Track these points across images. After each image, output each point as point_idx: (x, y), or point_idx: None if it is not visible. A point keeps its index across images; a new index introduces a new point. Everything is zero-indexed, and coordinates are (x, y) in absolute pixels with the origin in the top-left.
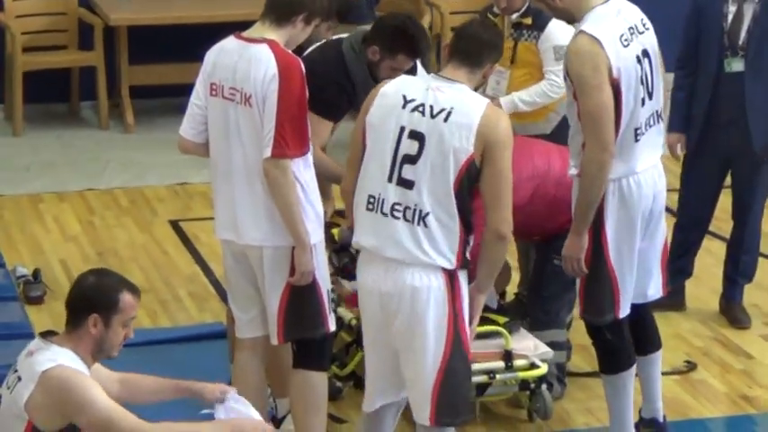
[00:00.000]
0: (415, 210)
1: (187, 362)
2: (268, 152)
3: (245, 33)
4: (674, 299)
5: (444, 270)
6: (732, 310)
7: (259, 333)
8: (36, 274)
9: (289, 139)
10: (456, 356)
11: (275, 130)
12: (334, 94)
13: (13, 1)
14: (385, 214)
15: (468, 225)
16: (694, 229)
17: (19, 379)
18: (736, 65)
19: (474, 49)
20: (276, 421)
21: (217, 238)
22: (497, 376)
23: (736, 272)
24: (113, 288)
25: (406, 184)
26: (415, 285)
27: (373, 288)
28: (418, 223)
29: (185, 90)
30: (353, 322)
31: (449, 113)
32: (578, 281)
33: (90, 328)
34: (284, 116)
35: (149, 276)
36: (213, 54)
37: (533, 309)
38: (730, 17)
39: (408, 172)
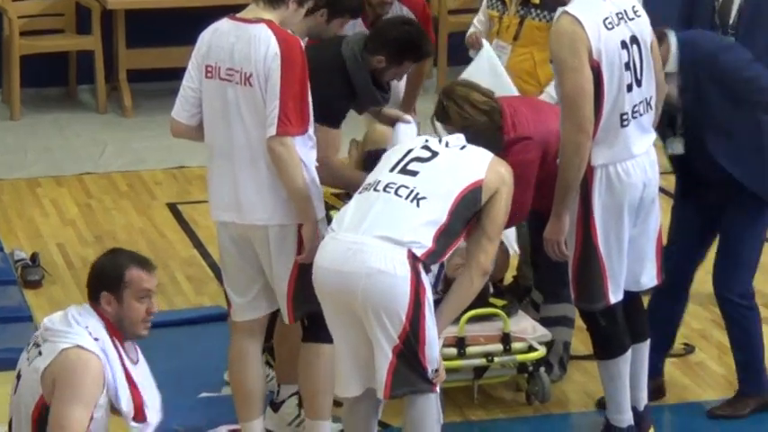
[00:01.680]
0: (412, 190)
1: (185, 345)
2: (273, 130)
3: (239, 15)
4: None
5: (410, 255)
6: None
7: (257, 315)
8: (34, 257)
9: (292, 117)
10: (411, 343)
11: (279, 108)
12: (339, 105)
13: None
14: (376, 191)
15: (443, 241)
16: None
17: (40, 353)
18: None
19: None
20: (275, 405)
21: (213, 220)
22: (495, 359)
23: None
24: (119, 264)
25: (410, 173)
26: (380, 267)
27: (330, 267)
28: (410, 200)
29: (182, 73)
30: None
31: (464, 147)
32: (570, 268)
33: (105, 307)
34: (287, 94)
35: None
36: (207, 36)
37: (545, 282)
38: None
39: (414, 166)
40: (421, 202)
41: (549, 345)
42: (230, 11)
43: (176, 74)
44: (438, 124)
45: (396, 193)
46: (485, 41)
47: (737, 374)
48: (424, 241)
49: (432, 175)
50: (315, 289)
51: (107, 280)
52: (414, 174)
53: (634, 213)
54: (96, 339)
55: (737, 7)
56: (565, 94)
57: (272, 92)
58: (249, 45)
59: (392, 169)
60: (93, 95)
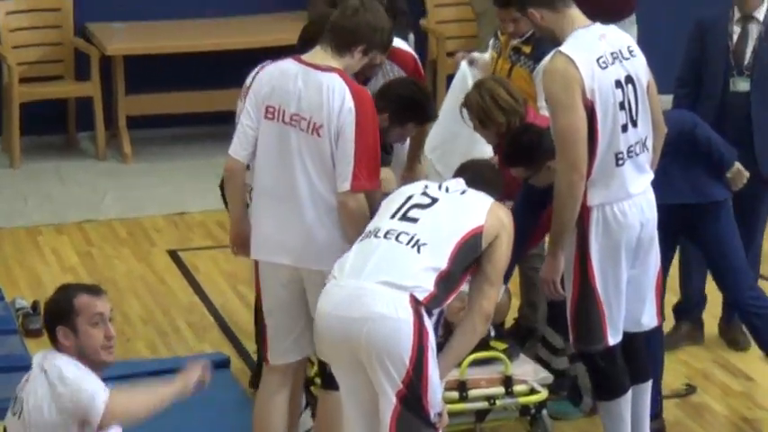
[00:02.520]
0: (412, 237)
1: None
2: (347, 186)
3: (306, 58)
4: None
5: (413, 300)
6: (731, 332)
7: (294, 358)
8: (35, 306)
9: (365, 172)
10: (415, 388)
11: (354, 163)
12: None
13: (10, 32)
14: (377, 238)
15: (445, 286)
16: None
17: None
18: (742, 85)
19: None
20: None
21: (259, 259)
22: (497, 402)
23: None
24: (66, 296)
25: (410, 219)
26: (383, 312)
27: (333, 313)
28: (411, 246)
29: (182, 120)
30: None
31: (464, 192)
32: (568, 310)
33: (64, 342)
34: (361, 149)
35: (148, 307)
36: (268, 76)
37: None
38: (735, 37)
39: (414, 213)
40: (422, 248)
41: (574, 378)
42: (227, 55)
43: (176, 120)
44: (465, 112)
45: (396, 239)
46: (463, 62)
47: None
48: (426, 285)
49: (432, 221)
50: (316, 337)
51: (59, 313)
52: (414, 220)
53: (632, 254)
54: None
55: (752, 49)
56: (558, 132)
57: (346, 146)
58: (321, 95)
59: (393, 216)
60: (93, 142)
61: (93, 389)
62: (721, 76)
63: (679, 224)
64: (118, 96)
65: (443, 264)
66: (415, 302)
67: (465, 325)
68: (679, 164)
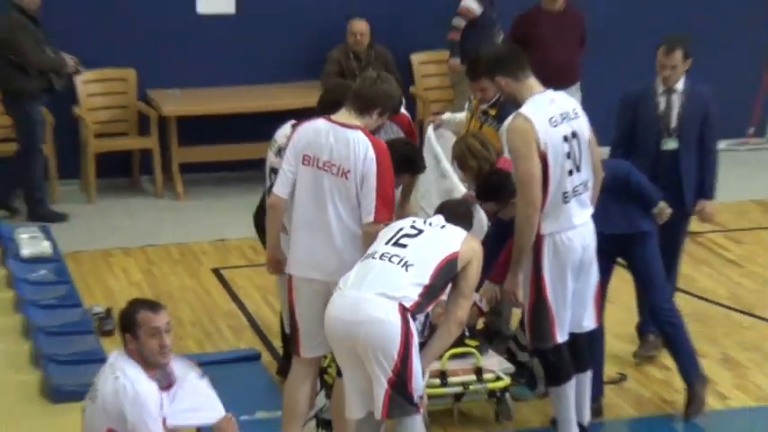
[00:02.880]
0: (402, 258)
1: (227, 379)
2: (371, 218)
3: (335, 118)
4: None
5: (401, 308)
6: (644, 346)
7: (320, 353)
8: (108, 311)
9: (383, 207)
10: (402, 376)
11: (376, 200)
12: None
13: (87, 97)
14: (374, 259)
15: (427, 297)
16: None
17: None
18: (671, 144)
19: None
20: None
21: (295, 275)
22: (470, 387)
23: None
24: (131, 310)
25: (401, 245)
26: (377, 316)
27: (338, 317)
28: (401, 266)
29: (222, 166)
30: None
31: (443, 227)
32: (525, 315)
33: (130, 346)
34: (381, 190)
35: (196, 313)
36: (305, 132)
37: None
38: (662, 106)
39: (405, 240)
40: (409, 267)
41: (531, 368)
42: (259, 115)
43: (217, 166)
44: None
45: (389, 260)
46: (429, 128)
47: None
48: (412, 296)
49: (418, 247)
50: (326, 336)
51: (126, 324)
52: (404, 246)
53: (576, 271)
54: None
55: (677, 114)
56: (518, 177)
57: (369, 187)
58: (348, 147)
59: (387, 243)
60: (153, 184)
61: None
62: (654, 137)
63: (615, 249)
64: (172, 148)
65: (426, 280)
66: (403, 309)
67: (443, 329)
68: (615, 201)
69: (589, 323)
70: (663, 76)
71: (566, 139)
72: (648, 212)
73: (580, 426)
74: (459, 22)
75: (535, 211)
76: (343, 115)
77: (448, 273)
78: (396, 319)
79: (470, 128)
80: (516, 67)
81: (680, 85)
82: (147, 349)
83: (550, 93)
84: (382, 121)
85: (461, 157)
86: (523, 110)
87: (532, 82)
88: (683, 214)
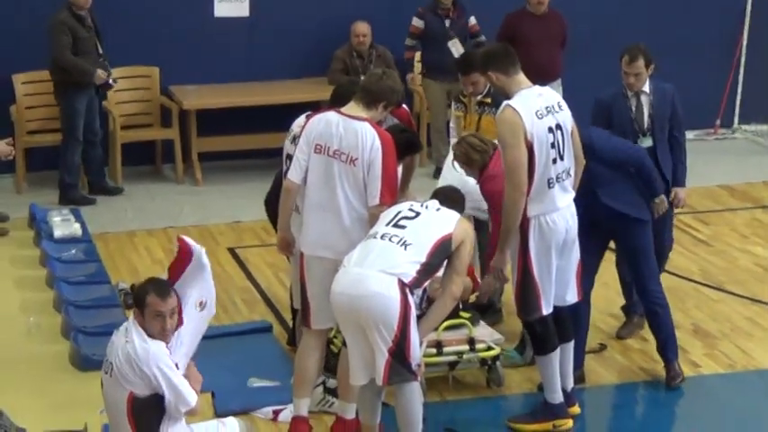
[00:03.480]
0: (401, 238)
1: (242, 348)
2: (376, 200)
3: (344, 110)
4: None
5: (400, 283)
6: (628, 327)
7: (329, 324)
8: (133, 287)
9: (387, 192)
10: (401, 346)
11: (381, 185)
12: None
13: (114, 92)
14: (375, 239)
15: (424, 273)
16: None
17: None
18: (647, 141)
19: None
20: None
21: (307, 253)
22: (464, 356)
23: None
24: (143, 290)
25: (400, 226)
26: (378, 290)
27: (343, 292)
28: (400, 245)
29: (237, 155)
30: None
31: (438, 209)
32: (513, 290)
33: (137, 318)
34: (386, 176)
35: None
36: (316, 123)
37: None
38: (634, 108)
39: (403, 222)
40: (408, 247)
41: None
42: (269, 109)
43: (233, 155)
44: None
45: (389, 240)
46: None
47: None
48: (410, 273)
49: (416, 228)
50: (333, 310)
51: (136, 301)
52: (403, 227)
53: (559, 250)
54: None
55: (648, 115)
56: (506, 164)
57: (374, 174)
58: (356, 137)
59: (387, 224)
60: (174, 171)
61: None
62: (630, 137)
63: (613, 228)
64: (191, 138)
65: (423, 258)
66: (402, 284)
67: (439, 302)
68: (627, 182)
69: (572, 297)
70: (628, 83)
71: (550, 130)
72: (649, 202)
73: (564, 391)
74: (410, 41)
75: (521, 196)
76: (351, 108)
77: (443, 252)
78: (395, 294)
79: (467, 122)
80: (507, 64)
81: (647, 87)
82: (150, 327)
83: (538, 88)
84: (387, 113)
85: (466, 154)
86: (512, 103)
87: (521, 78)
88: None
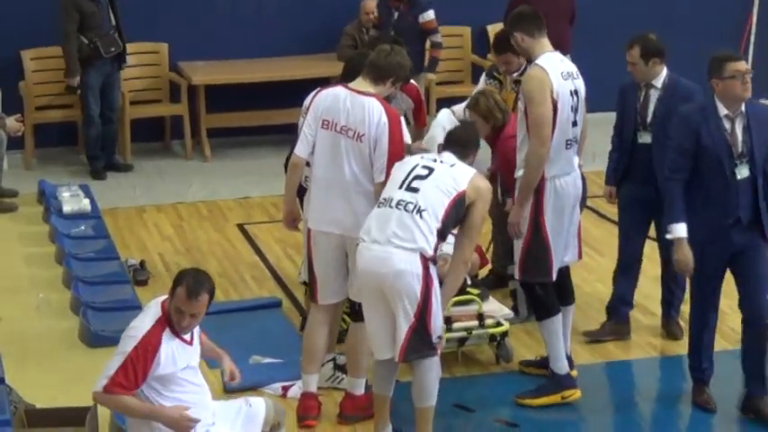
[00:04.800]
0: (415, 205)
1: (251, 324)
2: (382, 177)
3: (352, 86)
4: (622, 328)
5: (422, 257)
6: (669, 327)
7: (336, 299)
8: (142, 263)
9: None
10: (423, 320)
11: (388, 162)
12: None
13: (121, 69)
14: (391, 207)
15: (440, 237)
16: (633, 266)
17: None
18: (646, 137)
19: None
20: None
21: (314, 229)
22: (473, 332)
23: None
24: (178, 279)
25: (413, 190)
26: (402, 268)
27: (369, 269)
28: (415, 213)
29: (246, 131)
30: None
31: (453, 165)
32: (518, 254)
33: (168, 299)
34: (392, 152)
35: (223, 265)
36: (324, 98)
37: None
38: (641, 100)
39: (416, 183)
40: (423, 213)
41: (514, 293)
42: (278, 85)
43: (242, 131)
44: (467, 111)
45: (405, 208)
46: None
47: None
48: (430, 243)
49: (429, 190)
50: (359, 286)
51: (173, 284)
52: (416, 190)
53: (570, 213)
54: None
55: (653, 109)
56: (533, 118)
57: (381, 149)
58: (364, 112)
59: (400, 187)
60: (183, 147)
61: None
62: (632, 130)
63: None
64: (200, 114)
65: (438, 223)
66: (424, 259)
67: (451, 270)
68: None
69: (572, 257)
70: (630, 71)
71: (571, 93)
72: None
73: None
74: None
75: (546, 151)
76: (359, 83)
77: (457, 212)
78: (418, 270)
79: (504, 99)
80: (534, 26)
81: (659, 81)
82: (172, 316)
83: (559, 54)
84: (395, 89)
85: (490, 109)
86: (540, 61)
87: (545, 41)
88: (656, 209)
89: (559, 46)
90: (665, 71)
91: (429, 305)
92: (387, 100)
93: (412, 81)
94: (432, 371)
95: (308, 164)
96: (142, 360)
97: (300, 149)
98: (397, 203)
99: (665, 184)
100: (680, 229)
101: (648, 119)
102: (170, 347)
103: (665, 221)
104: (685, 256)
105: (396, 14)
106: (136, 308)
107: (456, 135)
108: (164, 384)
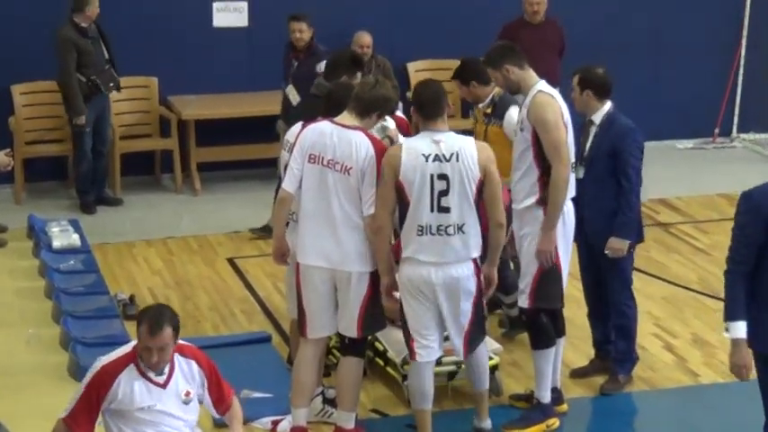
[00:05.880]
0: (454, 226)
1: (241, 359)
2: (372, 210)
3: (338, 120)
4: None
5: (475, 263)
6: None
7: (325, 333)
8: (132, 298)
9: None
10: (478, 313)
11: (375, 194)
12: None
13: (113, 103)
14: (433, 234)
15: (480, 224)
16: (599, 308)
17: None
18: (580, 172)
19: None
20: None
21: (304, 263)
22: (462, 366)
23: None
24: (139, 319)
25: (445, 210)
26: (458, 277)
27: (422, 280)
28: (458, 233)
29: (236, 165)
30: None
31: (458, 155)
32: (531, 279)
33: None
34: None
35: (213, 299)
36: (311, 133)
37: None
38: (583, 134)
39: (444, 201)
40: (463, 228)
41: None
42: (269, 119)
43: (231, 165)
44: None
45: (446, 232)
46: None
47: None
48: (477, 249)
49: (457, 204)
50: (416, 281)
51: (137, 326)
52: (447, 210)
53: (571, 240)
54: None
55: (589, 145)
56: (550, 142)
57: (369, 182)
58: (351, 146)
59: (432, 210)
60: (173, 181)
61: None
62: (574, 163)
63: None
64: (190, 148)
65: (475, 220)
66: (475, 263)
67: (490, 237)
68: None
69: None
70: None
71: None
72: None
73: (554, 389)
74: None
75: (569, 171)
76: (345, 117)
77: (480, 196)
78: (474, 274)
79: (477, 132)
80: (520, 58)
81: (598, 118)
82: (142, 356)
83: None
84: (381, 121)
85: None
86: (542, 88)
87: (532, 72)
88: (583, 243)
89: (548, 79)
90: (606, 107)
91: (482, 301)
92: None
93: (401, 114)
94: (484, 351)
95: None
96: (96, 389)
97: (288, 184)
98: (438, 229)
99: (726, 277)
100: (740, 329)
101: (585, 153)
102: (130, 384)
103: (724, 317)
104: (743, 359)
105: (296, 64)
106: (125, 343)
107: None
108: (121, 419)
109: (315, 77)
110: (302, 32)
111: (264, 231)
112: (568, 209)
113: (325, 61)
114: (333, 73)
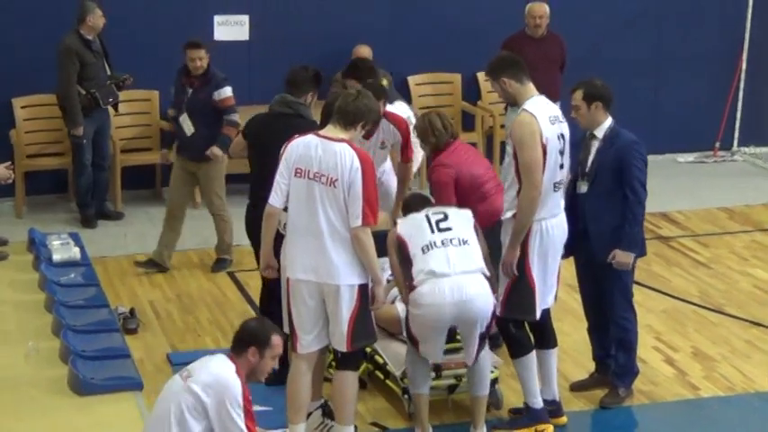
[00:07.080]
0: (459, 239)
1: None
2: (359, 222)
3: (322, 132)
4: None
5: (483, 275)
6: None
7: (316, 348)
8: (132, 311)
9: (369, 212)
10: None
11: (362, 206)
12: None
13: (114, 117)
14: (438, 247)
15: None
16: (599, 322)
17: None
18: (583, 187)
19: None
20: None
21: (293, 277)
22: (463, 379)
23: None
24: (267, 330)
25: (445, 230)
26: (477, 292)
27: (447, 302)
28: (463, 245)
29: (236, 178)
30: None
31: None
32: (504, 290)
33: (250, 358)
34: (367, 196)
35: (213, 312)
36: (296, 147)
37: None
38: (583, 149)
39: (443, 224)
40: (468, 240)
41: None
42: None
43: (233, 178)
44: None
45: (451, 243)
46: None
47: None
48: (483, 261)
49: (457, 224)
50: (429, 319)
51: (257, 339)
52: (449, 229)
53: (554, 255)
54: None
55: (591, 160)
56: (524, 163)
57: (355, 194)
58: (335, 158)
59: (432, 232)
60: None
61: None
62: (574, 178)
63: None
64: None
65: (477, 239)
66: (485, 275)
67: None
68: None
69: (551, 300)
70: (574, 117)
71: (558, 137)
72: None
73: (553, 401)
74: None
75: (538, 194)
76: (330, 130)
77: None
78: (486, 288)
79: None
80: (522, 72)
81: (600, 132)
82: (264, 369)
83: (544, 97)
84: (366, 132)
85: (424, 131)
86: (527, 107)
87: (531, 86)
88: (582, 257)
89: (550, 93)
90: (608, 122)
91: (493, 314)
92: (368, 132)
93: (401, 111)
94: (487, 358)
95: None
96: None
97: (274, 199)
98: (443, 242)
99: None
100: None
101: (587, 168)
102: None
103: None
104: None
105: (190, 92)
106: (125, 356)
107: (414, 200)
108: None
109: (212, 105)
110: (201, 60)
111: (149, 266)
112: (548, 226)
113: (228, 88)
114: (298, 90)
